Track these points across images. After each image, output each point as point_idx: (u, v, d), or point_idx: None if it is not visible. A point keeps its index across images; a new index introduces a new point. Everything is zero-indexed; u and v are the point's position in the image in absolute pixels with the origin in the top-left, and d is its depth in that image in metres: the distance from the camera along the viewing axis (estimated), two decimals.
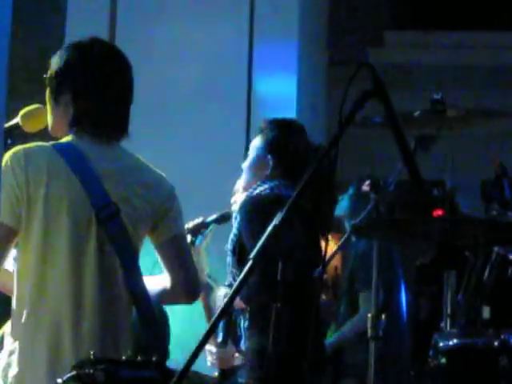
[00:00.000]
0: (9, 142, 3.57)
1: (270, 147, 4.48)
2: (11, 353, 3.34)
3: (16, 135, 3.73)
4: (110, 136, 3.42)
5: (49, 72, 3.48)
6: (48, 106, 3.50)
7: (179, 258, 3.55)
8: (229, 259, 4.38)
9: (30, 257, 3.31)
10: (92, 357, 3.14)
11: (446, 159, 3.88)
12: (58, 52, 3.50)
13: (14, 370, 3.30)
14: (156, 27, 6.95)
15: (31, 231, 3.31)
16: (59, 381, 3.10)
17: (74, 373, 3.18)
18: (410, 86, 3.90)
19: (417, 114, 3.94)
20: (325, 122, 7.26)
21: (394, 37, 9.47)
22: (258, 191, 4.41)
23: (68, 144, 3.39)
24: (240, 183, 4.57)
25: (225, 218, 4.59)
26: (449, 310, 3.49)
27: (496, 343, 2.97)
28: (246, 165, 4.56)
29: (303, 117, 6.46)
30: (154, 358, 3.39)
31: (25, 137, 3.82)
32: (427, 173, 3.15)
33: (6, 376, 3.32)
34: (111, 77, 3.44)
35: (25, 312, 3.30)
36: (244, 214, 4.31)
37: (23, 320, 3.30)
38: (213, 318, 2.75)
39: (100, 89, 3.41)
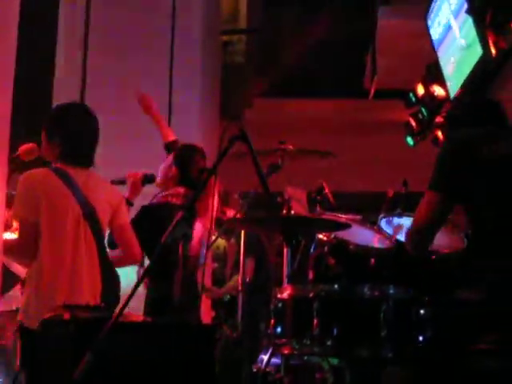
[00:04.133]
0: None
1: (177, 163, 4.50)
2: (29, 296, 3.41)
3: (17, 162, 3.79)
4: (84, 165, 3.53)
5: (45, 124, 3.60)
6: (43, 143, 3.62)
7: (125, 238, 3.68)
8: None
9: (45, 240, 3.38)
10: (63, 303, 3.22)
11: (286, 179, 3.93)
12: (50, 111, 3.65)
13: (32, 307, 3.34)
14: None
15: (43, 224, 3.38)
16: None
17: (50, 314, 3.19)
18: (268, 134, 3.98)
19: (268, 150, 3.98)
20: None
21: (259, 102, 9.58)
22: (158, 196, 4.44)
23: (60, 169, 3.47)
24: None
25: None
26: (287, 273, 3.49)
27: (311, 294, 2.99)
28: (160, 169, 4.58)
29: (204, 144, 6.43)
30: (103, 304, 3.45)
31: (23, 163, 3.87)
32: (273, 187, 3.21)
33: (26, 311, 3.35)
34: (84, 129, 3.58)
35: (43, 274, 3.36)
36: (137, 215, 4.34)
37: (40, 280, 3.36)
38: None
39: (77, 137, 3.54)
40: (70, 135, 3.60)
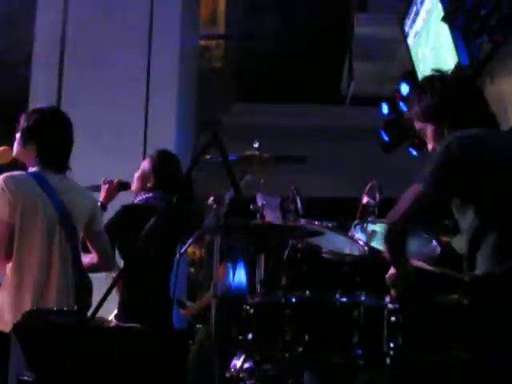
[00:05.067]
0: None
1: (153, 168, 4.49)
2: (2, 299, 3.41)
3: None
4: (60, 169, 3.53)
5: (20, 127, 3.58)
6: (17, 146, 3.60)
7: (101, 244, 3.69)
8: None
9: (19, 243, 3.37)
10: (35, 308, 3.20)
11: (259, 184, 3.92)
12: (26, 114, 3.62)
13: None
14: None
15: (18, 227, 3.39)
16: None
17: (23, 318, 3.18)
18: (246, 139, 3.98)
19: (240, 157, 3.92)
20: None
21: (237, 107, 9.58)
22: (136, 200, 4.43)
23: (37, 173, 3.47)
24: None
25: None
26: (260, 279, 3.49)
27: (283, 300, 2.99)
28: (136, 175, 4.56)
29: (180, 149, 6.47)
30: (75, 309, 3.45)
31: None
32: (246, 194, 3.20)
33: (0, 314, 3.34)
34: (60, 134, 3.57)
35: (16, 277, 3.33)
36: (117, 214, 4.32)
37: (14, 283, 3.34)
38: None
39: (53, 142, 3.54)
40: (46, 140, 3.60)
